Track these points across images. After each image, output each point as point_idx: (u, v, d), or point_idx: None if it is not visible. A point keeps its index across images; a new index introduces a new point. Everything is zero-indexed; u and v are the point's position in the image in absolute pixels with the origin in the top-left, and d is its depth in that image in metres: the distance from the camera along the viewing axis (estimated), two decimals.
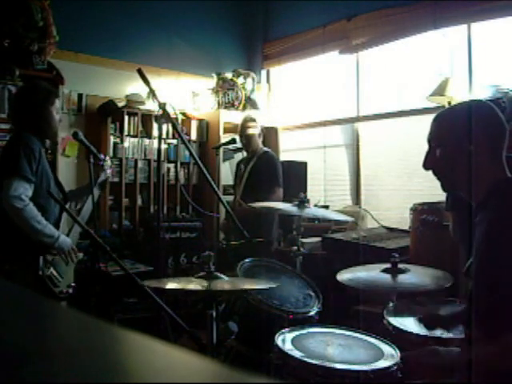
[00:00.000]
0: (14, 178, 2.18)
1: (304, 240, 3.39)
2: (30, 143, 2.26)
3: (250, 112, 4.60)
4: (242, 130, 3.81)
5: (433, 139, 1.38)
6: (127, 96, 4.49)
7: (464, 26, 3.98)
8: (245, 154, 4.07)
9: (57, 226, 2.37)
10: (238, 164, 4.08)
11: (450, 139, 1.32)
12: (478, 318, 1.25)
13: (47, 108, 2.38)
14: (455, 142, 1.31)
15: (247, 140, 3.80)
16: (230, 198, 4.03)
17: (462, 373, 1.20)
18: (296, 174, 4.53)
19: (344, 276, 2.02)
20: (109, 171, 2.79)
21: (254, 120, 3.84)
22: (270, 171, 3.69)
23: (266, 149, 3.93)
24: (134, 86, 4.46)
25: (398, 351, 1.52)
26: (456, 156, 1.31)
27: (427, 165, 1.38)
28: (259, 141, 3.85)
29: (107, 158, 2.83)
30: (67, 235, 2.42)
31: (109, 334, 0.35)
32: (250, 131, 3.77)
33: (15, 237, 2.25)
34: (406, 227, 3.27)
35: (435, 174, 1.38)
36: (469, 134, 1.29)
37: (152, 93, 1.92)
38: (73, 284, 2.46)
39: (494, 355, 1.15)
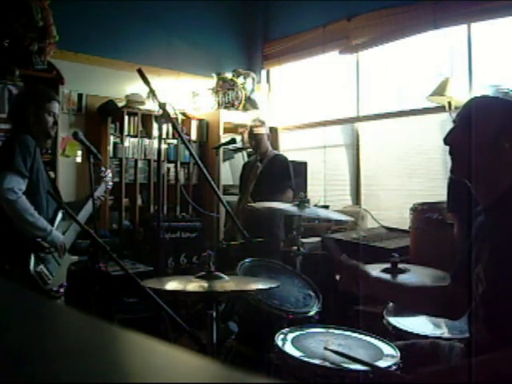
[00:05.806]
0: (8, 172, 2.25)
1: (304, 240, 3.39)
2: (25, 141, 2.35)
3: (255, 112, 4.60)
4: (251, 131, 3.82)
5: (460, 119, 1.37)
6: (127, 96, 4.49)
7: (464, 26, 3.98)
8: (245, 154, 4.07)
9: (50, 223, 2.39)
10: (245, 166, 4.08)
11: (478, 126, 1.29)
12: (496, 322, 1.23)
13: (38, 111, 2.46)
14: (482, 131, 1.28)
15: (256, 142, 3.80)
16: (230, 198, 4.03)
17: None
18: (296, 174, 4.52)
19: None
20: (110, 184, 2.80)
21: (262, 122, 3.87)
22: (282, 174, 3.68)
23: (276, 152, 3.96)
24: (133, 86, 4.46)
25: (398, 351, 1.52)
26: (478, 143, 1.29)
27: (449, 140, 1.37)
28: (268, 143, 3.86)
29: (108, 171, 2.82)
30: (63, 233, 2.45)
31: (109, 334, 0.35)
32: (260, 133, 3.77)
33: (7, 234, 2.30)
34: (406, 227, 3.27)
35: (451, 153, 1.38)
36: (500, 129, 1.28)
37: (152, 93, 1.92)
38: (65, 284, 2.48)
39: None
